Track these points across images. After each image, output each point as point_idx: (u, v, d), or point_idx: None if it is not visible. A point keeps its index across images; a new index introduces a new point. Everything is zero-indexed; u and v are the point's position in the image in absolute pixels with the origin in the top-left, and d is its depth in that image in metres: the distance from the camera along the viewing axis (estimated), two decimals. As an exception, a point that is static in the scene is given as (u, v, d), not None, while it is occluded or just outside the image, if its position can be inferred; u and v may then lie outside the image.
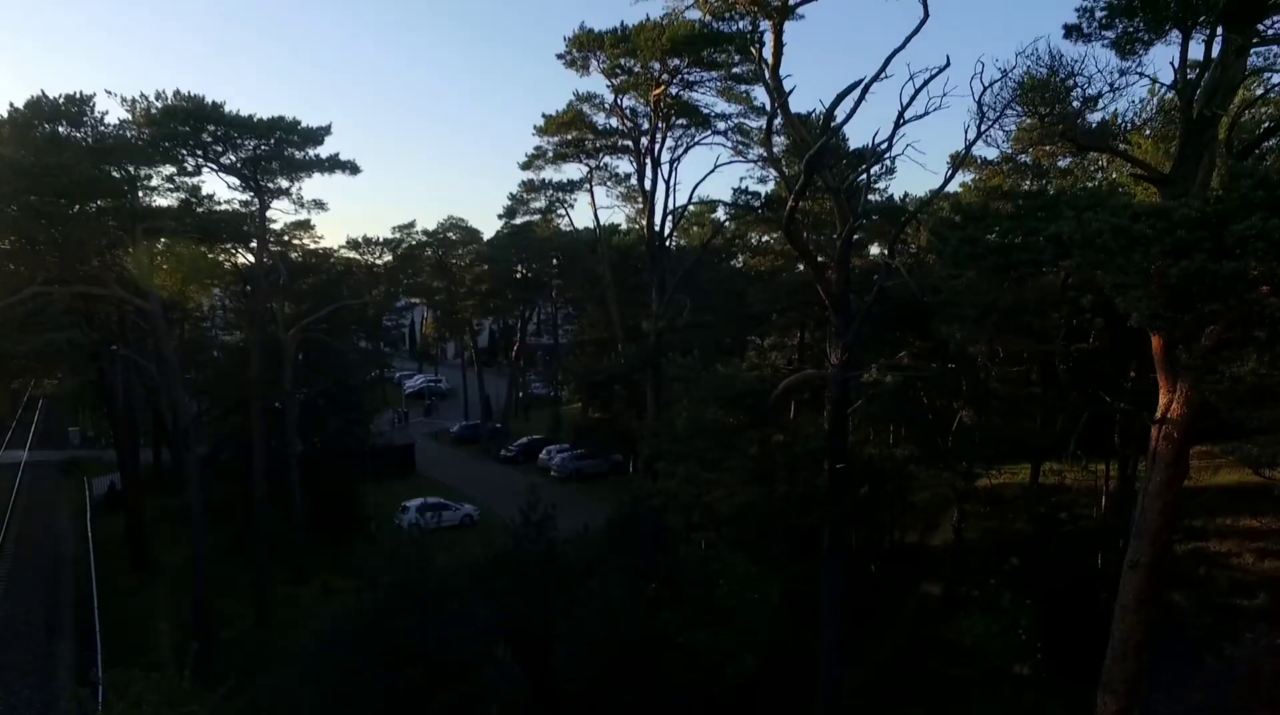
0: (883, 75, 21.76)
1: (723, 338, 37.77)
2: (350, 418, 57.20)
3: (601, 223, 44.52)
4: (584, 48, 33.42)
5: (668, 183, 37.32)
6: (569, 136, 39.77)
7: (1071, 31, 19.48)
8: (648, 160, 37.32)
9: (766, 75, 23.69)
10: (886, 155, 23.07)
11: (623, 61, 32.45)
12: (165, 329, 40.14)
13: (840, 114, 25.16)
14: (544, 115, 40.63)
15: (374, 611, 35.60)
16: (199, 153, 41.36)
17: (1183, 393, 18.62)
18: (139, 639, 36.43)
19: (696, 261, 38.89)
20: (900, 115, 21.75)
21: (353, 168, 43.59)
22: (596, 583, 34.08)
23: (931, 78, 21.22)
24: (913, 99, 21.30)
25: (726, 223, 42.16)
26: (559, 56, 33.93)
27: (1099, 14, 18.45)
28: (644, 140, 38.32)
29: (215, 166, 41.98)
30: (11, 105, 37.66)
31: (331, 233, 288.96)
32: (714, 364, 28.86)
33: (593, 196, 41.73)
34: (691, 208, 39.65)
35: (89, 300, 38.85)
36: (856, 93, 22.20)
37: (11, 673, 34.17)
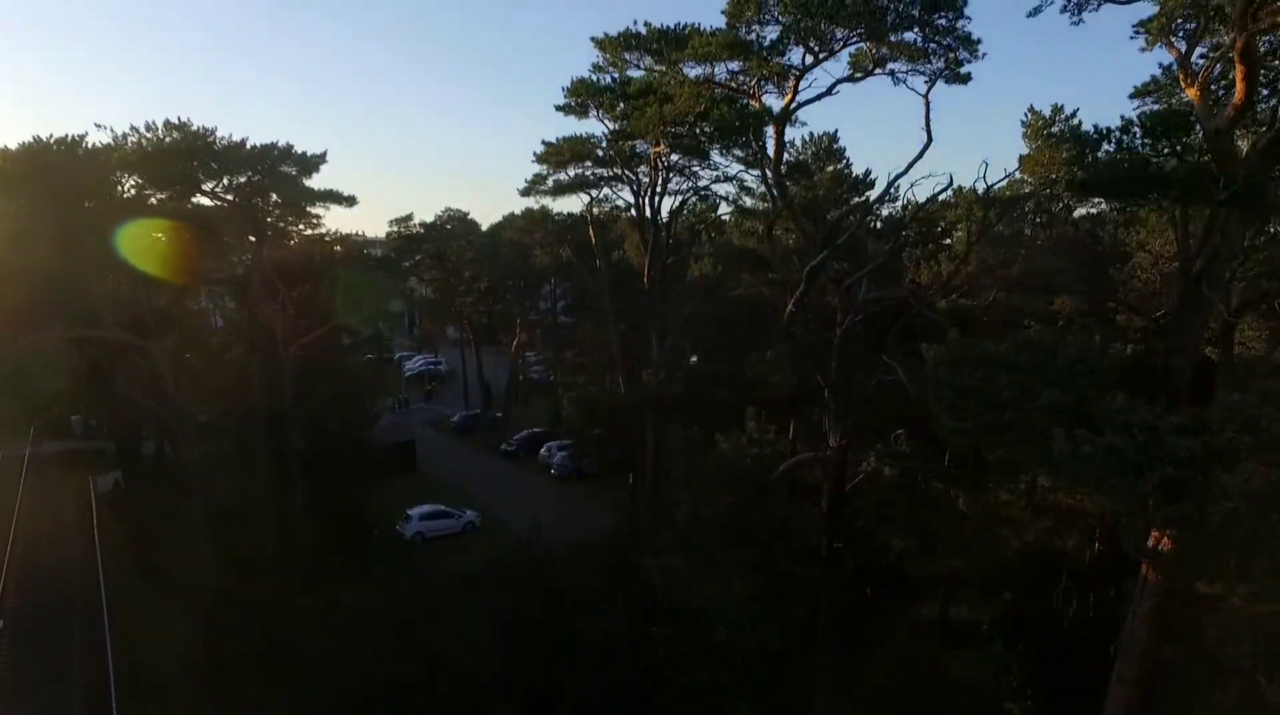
0: (888, 195, 21.73)
1: (723, 387, 37.80)
2: (351, 420, 57.34)
3: (600, 243, 44.18)
4: (582, 97, 32.89)
5: (668, 229, 37.08)
6: (568, 174, 39.36)
7: (1074, 186, 19.36)
8: (645, 203, 37.05)
9: (769, 174, 23.58)
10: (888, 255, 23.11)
11: (621, 124, 31.99)
12: (166, 365, 40.34)
13: (864, 187, 25.21)
14: (544, 143, 40.10)
15: (380, 659, 36.79)
16: (191, 183, 40.99)
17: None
18: (149, 656, 37.40)
19: (696, 309, 38.84)
20: (903, 222, 21.74)
21: (350, 200, 43.33)
22: (598, 634, 35.02)
23: (936, 195, 21.17)
24: (915, 211, 21.28)
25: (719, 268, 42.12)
26: (558, 108, 33.43)
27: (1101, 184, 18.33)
28: (643, 178, 38.04)
29: (208, 197, 41.72)
30: (5, 148, 37.36)
31: (330, 221, 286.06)
32: (715, 435, 29.12)
33: (592, 226, 41.44)
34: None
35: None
36: (858, 216, 22.11)
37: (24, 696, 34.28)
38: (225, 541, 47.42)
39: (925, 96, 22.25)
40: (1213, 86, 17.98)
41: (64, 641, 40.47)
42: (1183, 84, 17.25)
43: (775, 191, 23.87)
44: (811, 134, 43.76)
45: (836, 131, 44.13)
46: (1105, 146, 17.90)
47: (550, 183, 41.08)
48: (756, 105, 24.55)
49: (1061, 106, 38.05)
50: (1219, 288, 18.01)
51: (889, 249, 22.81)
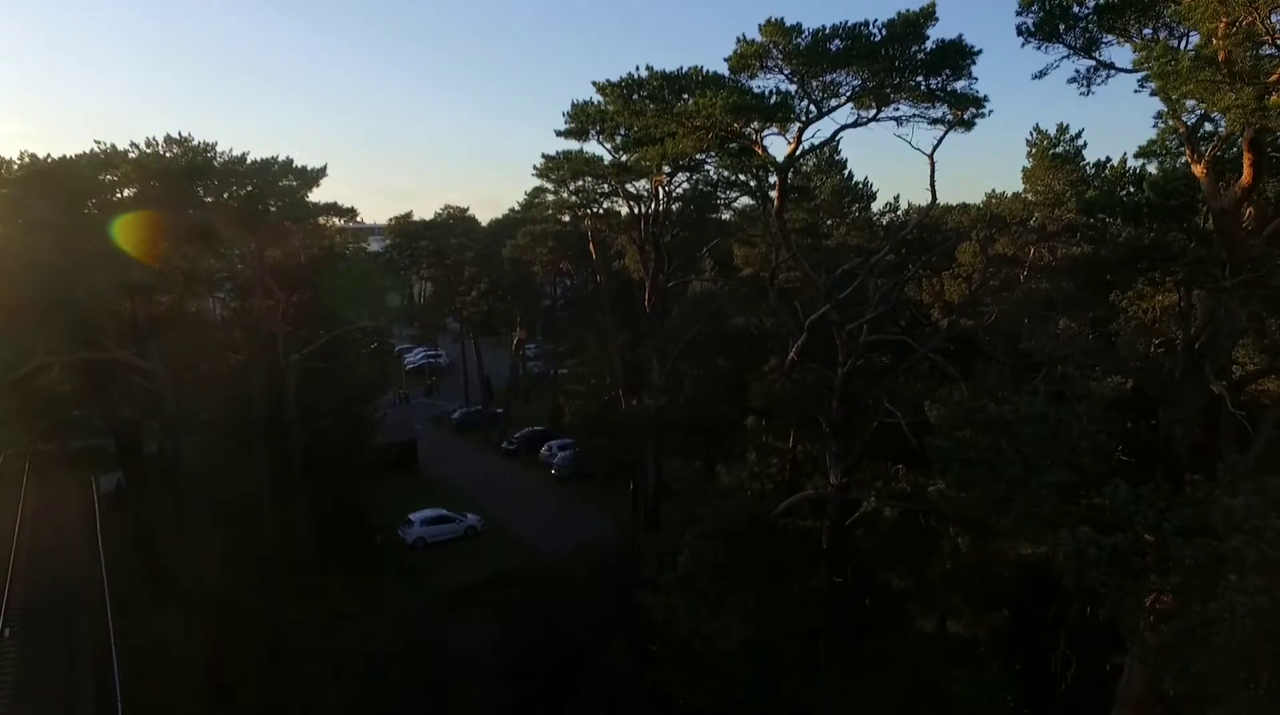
0: (889, 256, 21.62)
1: (724, 400, 37.81)
2: (353, 423, 57.30)
3: (601, 259, 43.98)
4: (582, 122, 32.59)
5: (669, 255, 36.92)
6: (569, 189, 39.13)
7: (1084, 266, 19.37)
8: (646, 227, 36.74)
9: (772, 218, 23.46)
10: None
11: (622, 156, 31.77)
12: (169, 389, 40.36)
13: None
14: (544, 156, 39.85)
15: (383, 676, 37.20)
16: (193, 201, 40.77)
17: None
18: (156, 670, 37.60)
19: (697, 334, 38.72)
20: (901, 284, 21.70)
21: (350, 213, 43.10)
22: (599, 650, 35.36)
23: (932, 256, 21.12)
24: (912, 277, 21.25)
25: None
26: (559, 133, 33.16)
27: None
28: (645, 192, 37.82)
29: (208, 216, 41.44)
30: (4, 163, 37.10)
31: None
32: (716, 452, 29.25)
33: (592, 242, 41.25)
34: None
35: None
36: (863, 273, 22.04)
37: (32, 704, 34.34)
38: (228, 547, 47.23)
39: (930, 156, 22.11)
40: (1220, 152, 17.86)
41: (70, 649, 40.32)
42: (1189, 159, 17.15)
43: (779, 237, 23.75)
44: (812, 145, 43.38)
45: (838, 143, 43.83)
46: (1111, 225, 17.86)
47: (550, 198, 40.92)
48: (759, 153, 24.40)
49: (1066, 125, 37.80)
50: (1220, 362, 18.09)
51: (891, 298, 22.80)
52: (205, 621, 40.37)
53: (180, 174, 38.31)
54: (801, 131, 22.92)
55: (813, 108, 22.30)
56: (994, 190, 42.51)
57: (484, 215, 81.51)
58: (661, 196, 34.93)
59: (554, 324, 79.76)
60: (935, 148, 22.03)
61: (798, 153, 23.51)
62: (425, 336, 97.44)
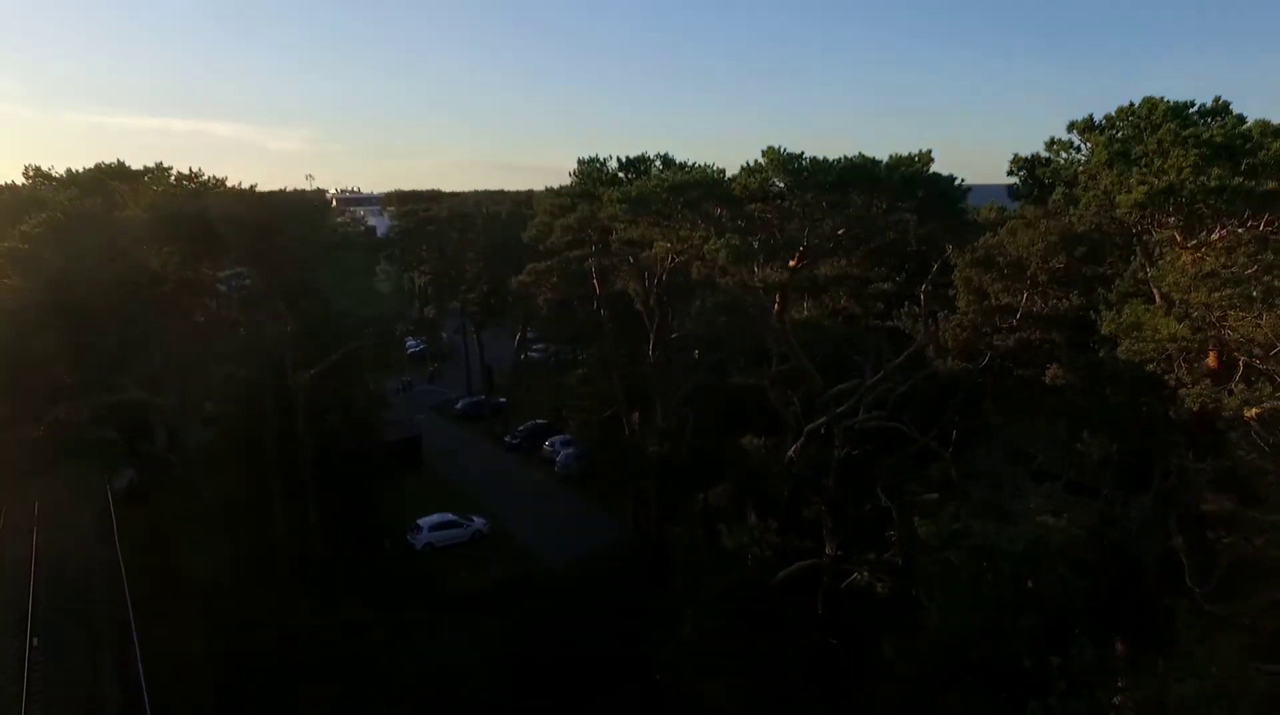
0: (883, 384, 22.85)
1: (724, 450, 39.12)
2: (360, 430, 58.08)
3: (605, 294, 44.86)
4: (588, 183, 33.33)
5: (672, 311, 37.83)
6: (572, 237, 39.93)
7: (1077, 418, 20.67)
8: (650, 288, 37.55)
9: (773, 320, 24.59)
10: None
11: (627, 231, 32.55)
12: (184, 423, 41.48)
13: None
14: (547, 188, 40.54)
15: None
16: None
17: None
18: (181, 678, 39.09)
19: (698, 386, 39.88)
20: (895, 396, 22.98)
21: (356, 242, 43.95)
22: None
23: (920, 376, 22.40)
24: (905, 391, 22.52)
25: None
26: (561, 189, 33.96)
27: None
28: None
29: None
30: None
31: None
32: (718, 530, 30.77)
33: (595, 280, 42.09)
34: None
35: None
36: (860, 392, 23.31)
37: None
38: (242, 554, 48.00)
39: (919, 292, 23.19)
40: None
41: (96, 658, 41.04)
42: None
43: (782, 342, 24.92)
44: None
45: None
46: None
47: (556, 232, 41.68)
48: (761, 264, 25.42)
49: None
50: (1183, 505, 19.60)
51: (888, 400, 24.16)
52: (224, 630, 41.38)
53: (192, 217, 39.11)
54: (803, 255, 23.93)
55: (814, 238, 23.27)
56: (993, 203, 43.41)
57: (498, 184, 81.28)
58: (666, 264, 35.77)
59: (556, 325, 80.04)
60: (926, 282, 23.13)
61: (800, 267, 24.57)
62: (427, 333, 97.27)
